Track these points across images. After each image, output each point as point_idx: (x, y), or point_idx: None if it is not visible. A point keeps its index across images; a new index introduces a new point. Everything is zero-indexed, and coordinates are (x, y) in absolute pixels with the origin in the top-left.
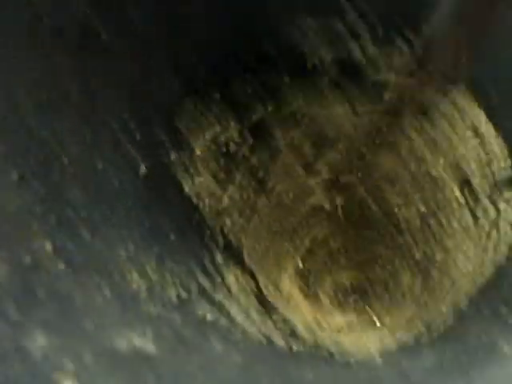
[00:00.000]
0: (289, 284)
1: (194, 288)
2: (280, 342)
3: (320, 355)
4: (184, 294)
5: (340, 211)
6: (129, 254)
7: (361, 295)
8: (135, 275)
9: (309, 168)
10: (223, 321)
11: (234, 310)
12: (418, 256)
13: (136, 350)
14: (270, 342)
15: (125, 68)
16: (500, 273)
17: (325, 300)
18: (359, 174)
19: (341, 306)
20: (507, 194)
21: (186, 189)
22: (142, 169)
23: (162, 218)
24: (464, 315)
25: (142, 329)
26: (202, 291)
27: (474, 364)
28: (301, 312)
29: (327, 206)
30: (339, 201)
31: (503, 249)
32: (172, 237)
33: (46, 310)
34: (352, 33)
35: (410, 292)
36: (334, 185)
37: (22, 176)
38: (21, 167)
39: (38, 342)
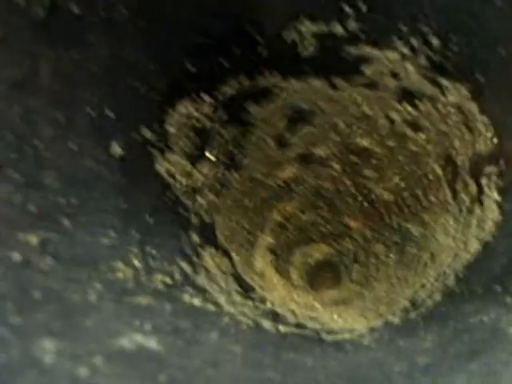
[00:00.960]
0: (261, 261)
1: (176, 272)
2: (266, 323)
3: (308, 335)
4: (168, 280)
5: (312, 185)
6: (111, 241)
7: (331, 270)
8: (120, 264)
9: (282, 142)
10: (210, 306)
11: (216, 293)
12: (391, 229)
13: (141, 348)
14: (257, 324)
15: (103, 62)
16: (488, 250)
17: (295, 276)
18: (334, 148)
19: (312, 281)
20: (488, 169)
21: (160, 168)
22: (117, 149)
23: (138, 199)
24: (453, 292)
25: (140, 323)
26: (185, 275)
27: (477, 346)
28: (276, 290)
29: (299, 180)
30: (312, 174)
31: (489, 226)
32: (149, 219)
33: (46, 312)
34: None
35: (384, 265)
36: (307, 159)
37: None
38: None
39: (47, 349)
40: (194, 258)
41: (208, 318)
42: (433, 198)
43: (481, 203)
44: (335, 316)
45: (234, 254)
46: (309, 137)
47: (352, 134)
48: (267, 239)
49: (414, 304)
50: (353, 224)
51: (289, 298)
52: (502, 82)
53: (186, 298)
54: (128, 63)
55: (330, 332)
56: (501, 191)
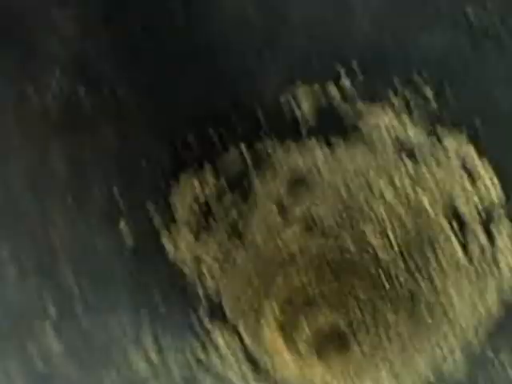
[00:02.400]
0: (270, 336)
1: (192, 361)
2: None
3: None
4: (187, 373)
5: (317, 255)
6: (125, 332)
7: (339, 339)
8: (137, 359)
9: (287, 215)
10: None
11: (226, 369)
12: (401, 295)
13: None
14: None
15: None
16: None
17: (304, 348)
18: (335, 209)
19: (319, 351)
20: (497, 216)
21: (171, 254)
22: (129, 239)
23: (150, 289)
24: (477, 360)
25: None
26: (200, 363)
27: None
28: (288, 368)
29: (303, 246)
30: (315, 239)
31: (509, 286)
32: (162, 308)
33: None
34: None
35: (397, 334)
36: (309, 222)
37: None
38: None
39: None
40: (207, 341)
41: None
42: (441, 253)
43: (496, 261)
44: None
45: (243, 332)
46: (308, 196)
47: (351, 192)
48: (274, 311)
49: (437, 376)
50: (360, 291)
51: (300, 373)
52: (500, 125)
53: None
54: (132, 140)
55: None
56: None
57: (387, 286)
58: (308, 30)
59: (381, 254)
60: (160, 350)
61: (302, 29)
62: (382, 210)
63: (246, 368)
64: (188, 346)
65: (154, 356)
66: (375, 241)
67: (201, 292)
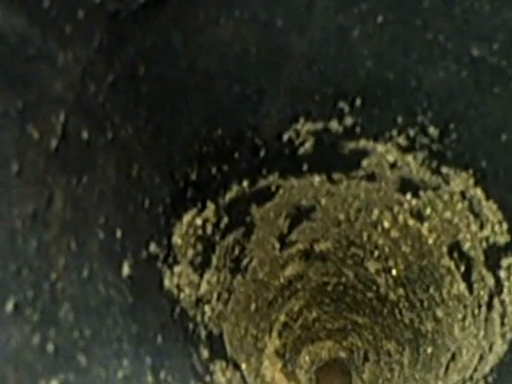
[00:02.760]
0: (270, 367)
1: None
2: None
3: None
4: None
5: (315, 281)
6: (125, 372)
7: (340, 368)
8: None
9: (283, 239)
10: None
11: None
12: (402, 325)
13: None
14: None
15: (113, 183)
16: None
17: (304, 379)
18: (335, 242)
19: (320, 381)
20: (506, 261)
21: (167, 282)
22: (126, 269)
23: (147, 318)
24: None
25: None
26: None
27: None
28: None
29: (303, 277)
30: (314, 270)
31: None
32: (159, 339)
33: None
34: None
35: (398, 364)
36: (309, 254)
37: (16, 304)
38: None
39: None
40: (206, 377)
41: None
42: (446, 292)
43: (500, 298)
44: None
45: (243, 365)
46: (310, 232)
47: (353, 227)
48: (275, 342)
49: None
50: (360, 320)
51: None
52: (506, 167)
53: None
54: (134, 180)
55: None
56: None
57: (387, 314)
58: (310, 65)
59: (384, 291)
60: None
61: (304, 65)
62: (382, 241)
63: None
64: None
65: None
66: (378, 278)
67: (203, 332)
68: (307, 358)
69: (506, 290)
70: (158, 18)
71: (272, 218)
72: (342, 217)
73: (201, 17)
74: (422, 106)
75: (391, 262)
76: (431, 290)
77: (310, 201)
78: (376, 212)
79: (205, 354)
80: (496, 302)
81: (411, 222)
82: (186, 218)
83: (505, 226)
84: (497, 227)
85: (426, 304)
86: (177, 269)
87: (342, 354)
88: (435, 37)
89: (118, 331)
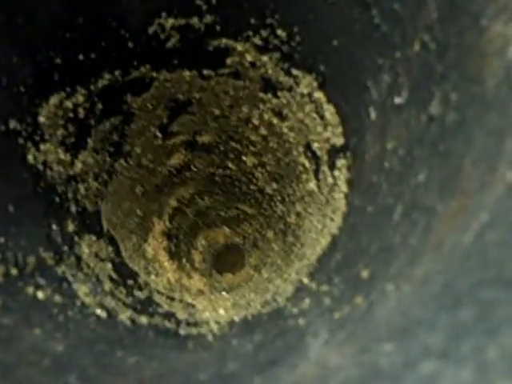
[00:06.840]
0: (155, 246)
1: (30, 263)
2: (123, 314)
3: (165, 329)
4: (14, 271)
5: (202, 171)
6: None
7: (238, 253)
8: None
9: (165, 130)
10: (57, 298)
11: (77, 283)
12: (277, 216)
13: None
14: (110, 315)
15: None
16: (335, 243)
17: (198, 260)
18: (215, 135)
19: (218, 264)
20: (340, 162)
21: (30, 157)
22: None
23: (1, 189)
24: (303, 288)
25: None
26: (41, 265)
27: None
28: (165, 275)
29: (190, 166)
30: (200, 160)
31: (338, 218)
32: (10, 208)
33: None
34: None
35: (272, 251)
36: (192, 146)
37: None
38: None
39: None
40: (64, 247)
41: (49, 310)
42: (304, 188)
43: (333, 194)
44: (208, 304)
45: (121, 241)
46: (190, 125)
47: (229, 123)
48: (164, 225)
49: (275, 299)
50: (249, 210)
51: (177, 283)
52: (341, 73)
53: (30, 290)
54: None
55: (193, 324)
56: (348, 184)
57: (267, 206)
58: None
59: (261, 184)
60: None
61: None
62: (254, 137)
63: (106, 273)
64: (33, 255)
65: None
66: (256, 172)
67: (73, 208)
68: (203, 241)
69: (337, 190)
70: None
71: (151, 109)
72: (217, 112)
73: None
74: (270, 8)
75: (265, 158)
76: (294, 186)
77: (186, 94)
78: (245, 109)
79: (70, 227)
80: (330, 198)
81: (275, 120)
82: (53, 100)
83: (340, 129)
84: (335, 129)
85: (291, 198)
86: (44, 147)
87: (237, 240)
88: None
89: None
